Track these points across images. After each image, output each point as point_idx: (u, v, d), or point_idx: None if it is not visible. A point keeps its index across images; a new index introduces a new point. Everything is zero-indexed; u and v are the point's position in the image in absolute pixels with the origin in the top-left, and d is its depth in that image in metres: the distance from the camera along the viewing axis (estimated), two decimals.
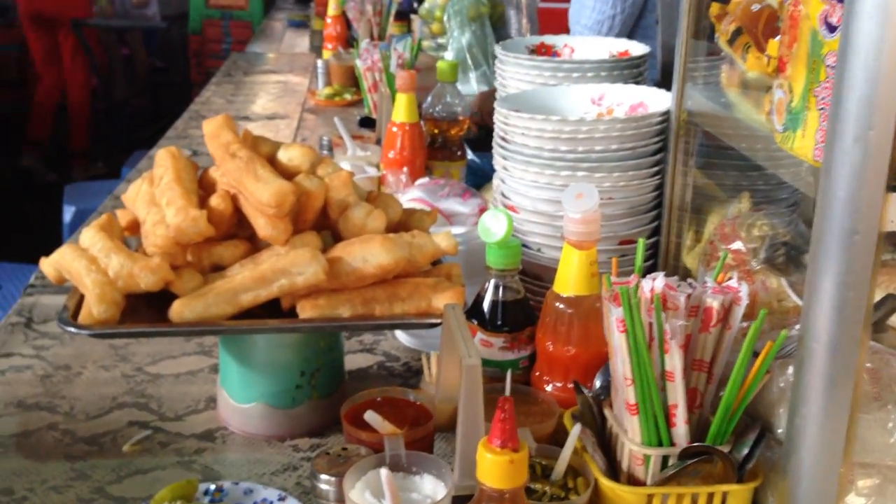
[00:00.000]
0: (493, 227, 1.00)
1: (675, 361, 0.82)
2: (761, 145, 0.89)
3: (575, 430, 0.89)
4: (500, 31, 2.93)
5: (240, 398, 1.11)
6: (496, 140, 1.20)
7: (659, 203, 1.14)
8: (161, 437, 1.12)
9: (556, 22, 2.96)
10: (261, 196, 1.03)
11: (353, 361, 1.28)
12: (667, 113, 1.11)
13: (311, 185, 1.06)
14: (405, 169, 1.55)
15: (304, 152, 1.11)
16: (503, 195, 1.20)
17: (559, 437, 0.96)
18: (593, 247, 0.97)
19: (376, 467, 0.88)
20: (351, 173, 1.09)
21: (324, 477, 0.89)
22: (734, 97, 0.95)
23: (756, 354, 0.84)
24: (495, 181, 1.33)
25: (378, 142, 1.97)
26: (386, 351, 1.34)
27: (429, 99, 1.75)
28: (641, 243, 0.91)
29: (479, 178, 1.81)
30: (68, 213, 3.30)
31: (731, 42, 0.92)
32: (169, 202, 1.06)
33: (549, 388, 1.01)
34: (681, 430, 0.85)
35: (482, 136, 1.94)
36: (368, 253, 1.02)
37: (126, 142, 4.85)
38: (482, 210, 1.51)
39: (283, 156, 1.11)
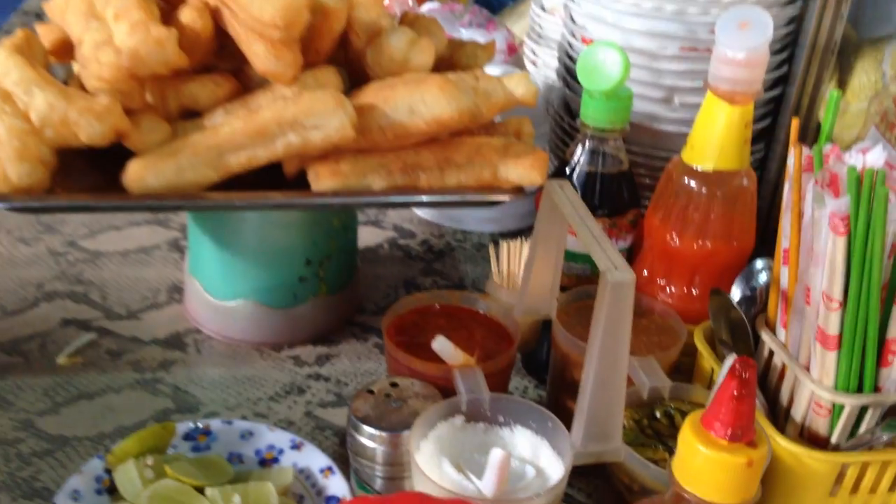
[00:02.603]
0: (607, 66, 0.69)
1: None
2: None
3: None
4: None
5: (221, 293, 0.82)
6: None
7: (793, 41, 0.85)
8: (110, 344, 0.82)
9: None
10: (259, 11, 0.69)
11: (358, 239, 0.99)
12: None
13: None
14: None
15: None
16: (574, 22, 0.89)
17: (682, 364, 0.70)
18: (751, 102, 0.67)
19: (447, 417, 0.61)
20: None
21: (368, 430, 0.61)
22: None
23: None
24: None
25: None
26: (397, 224, 1.04)
27: None
28: (834, 96, 0.62)
29: (481, 4, 1.47)
30: None
31: None
32: (119, 15, 0.71)
33: (662, 294, 0.74)
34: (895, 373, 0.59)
35: None
36: (419, 100, 0.70)
37: None
38: (511, 46, 1.19)
39: None
